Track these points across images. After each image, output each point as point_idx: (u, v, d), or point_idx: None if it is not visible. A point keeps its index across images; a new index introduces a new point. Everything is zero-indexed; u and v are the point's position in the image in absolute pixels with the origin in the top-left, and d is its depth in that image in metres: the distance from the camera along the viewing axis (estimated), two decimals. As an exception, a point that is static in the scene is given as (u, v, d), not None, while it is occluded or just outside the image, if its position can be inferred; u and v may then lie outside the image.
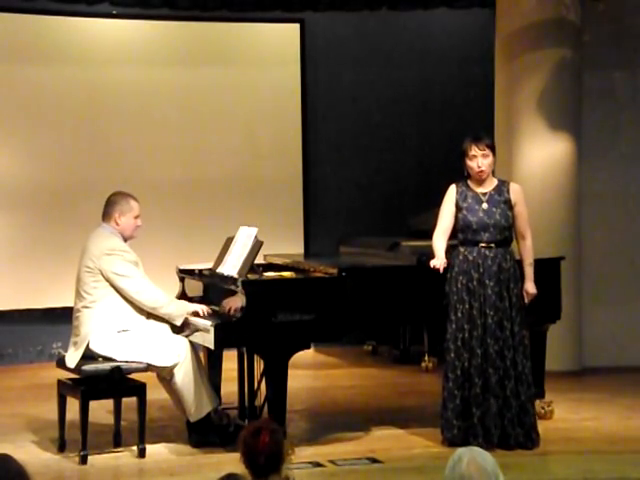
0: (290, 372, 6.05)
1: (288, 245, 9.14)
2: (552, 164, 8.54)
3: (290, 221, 10.11)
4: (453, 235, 6.29)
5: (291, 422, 6.55)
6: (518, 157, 8.51)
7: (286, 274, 6.45)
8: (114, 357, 6.13)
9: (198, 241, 9.34)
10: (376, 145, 10.48)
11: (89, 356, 6.15)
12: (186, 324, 6.24)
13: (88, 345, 6.14)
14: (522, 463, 5.85)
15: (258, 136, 10.07)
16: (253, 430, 3.52)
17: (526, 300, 6.21)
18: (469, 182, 6.24)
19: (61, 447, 6.23)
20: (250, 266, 6.30)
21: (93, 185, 9.49)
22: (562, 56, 8.58)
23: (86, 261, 6.26)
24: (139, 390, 6.11)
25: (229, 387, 6.94)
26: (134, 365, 6.14)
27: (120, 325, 6.19)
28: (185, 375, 6.16)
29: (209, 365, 6.77)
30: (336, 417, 7.17)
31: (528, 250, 6.27)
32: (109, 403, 6.42)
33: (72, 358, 6.17)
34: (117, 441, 6.34)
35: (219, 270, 6.52)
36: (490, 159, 6.18)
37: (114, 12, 9.49)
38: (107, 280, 6.21)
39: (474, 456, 3.02)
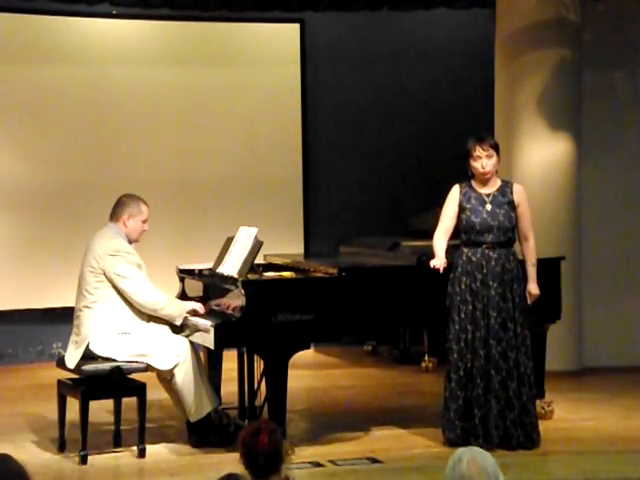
0: (290, 372, 6.05)
1: (288, 245, 9.15)
2: (552, 164, 8.54)
3: (290, 221, 10.11)
4: (454, 235, 6.30)
5: (291, 422, 6.55)
6: (518, 157, 8.51)
7: (286, 274, 6.45)
8: (114, 358, 6.14)
9: (198, 241, 9.35)
10: (376, 145, 10.48)
11: (89, 356, 6.16)
12: (186, 324, 6.24)
13: (88, 345, 6.14)
14: (522, 463, 5.86)
15: (258, 136, 10.07)
16: (252, 431, 3.52)
17: (529, 301, 6.21)
18: (473, 182, 6.24)
19: (61, 447, 6.24)
20: (250, 266, 6.30)
21: (93, 185, 9.51)
22: (562, 56, 8.58)
23: (90, 260, 6.26)
24: (139, 390, 6.11)
25: (229, 387, 6.94)
26: (134, 365, 6.14)
27: (121, 327, 6.19)
28: (185, 375, 6.16)
29: (209, 365, 6.77)
30: (336, 417, 7.17)
31: (531, 251, 6.27)
32: (109, 403, 6.42)
33: (72, 358, 6.17)
34: (117, 441, 6.35)
35: (219, 270, 6.52)
36: (494, 159, 6.17)
37: (114, 12, 9.48)
38: (109, 281, 6.21)
39: (474, 456, 3.02)
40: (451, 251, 6.22)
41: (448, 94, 10.51)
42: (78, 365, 6.12)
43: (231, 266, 6.39)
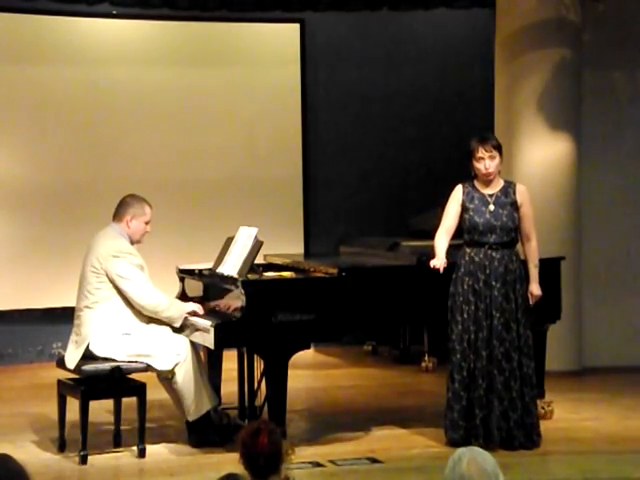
0: (290, 372, 6.05)
1: (288, 245, 9.15)
2: (552, 164, 8.54)
3: (290, 221, 10.11)
4: (456, 235, 6.29)
5: (291, 422, 6.55)
6: (518, 157, 8.51)
7: (286, 274, 6.45)
8: (114, 358, 6.14)
9: (198, 241, 9.35)
10: (376, 145, 10.48)
11: (89, 356, 6.15)
12: (186, 325, 6.24)
13: (88, 346, 6.14)
14: (522, 463, 5.86)
15: (258, 136, 10.07)
16: (252, 431, 3.52)
17: (531, 302, 6.21)
18: (475, 183, 6.24)
19: (61, 447, 6.24)
20: (250, 266, 6.30)
21: (93, 185, 9.51)
22: (562, 56, 8.58)
23: (92, 260, 6.25)
24: (139, 390, 6.11)
25: (229, 387, 6.94)
26: (134, 365, 6.14)
27: (121, 328, 6.18)
28: (185, 374, 6.15)
29: (209, 365, 6.77)
30: (336, 417, 7.17)
31: (533, 252, 6.27)
32: (109, 403, 6.42)
33: (72, 358, 6.17)
34: (117, 441, 6.35)
35: (219, 270, 6.51)
36: (497, 160, 6.17)
37: (114, 12, 9.49)
38: (111, 282, 6.20)
39: (474, 456, 3.02)
40: (452, 251, 6.22)
41: (448, 94, 10.51)
42: (78, 365, 6.12)
43: (231, 266, 6.39)
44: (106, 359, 6.12)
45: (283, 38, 10.16)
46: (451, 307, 6.17)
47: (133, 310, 6.24)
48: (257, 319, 5.95)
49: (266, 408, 6.21)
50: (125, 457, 6.15)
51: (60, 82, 9.51)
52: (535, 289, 6.23)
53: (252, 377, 6.53)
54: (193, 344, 6.24)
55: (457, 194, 6.25)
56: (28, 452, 6.15)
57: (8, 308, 9.30)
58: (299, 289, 6.19)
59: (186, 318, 6.24)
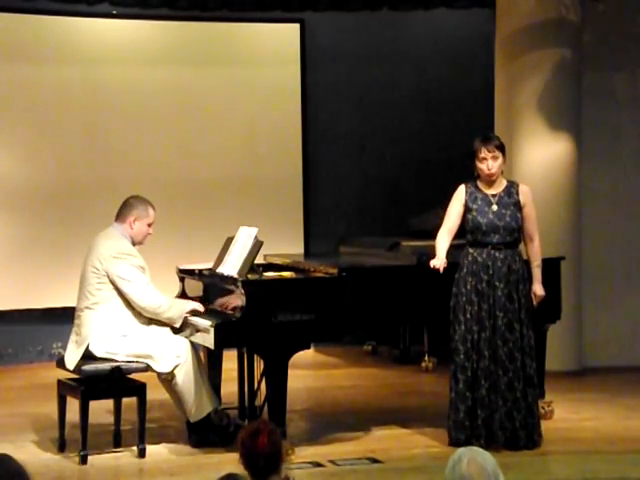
0: (290, 372, 6.05)
1: (288, 245, 9.15)
2: (552, 164, 8.54)
3: (290, 221, 10.11)
4: (459, 235, 6.29)
5: (291, 422, 6.55)
6: (518, 157, 8.51)
7: (286, 274, 6.45)
8: (114, 359, 6.14)
9: (198, 241, 9.35)
10: (376, 145, 10.48)
11: (88, 356, 6.15)
12: (186, 324, 6.24)
13: (88, 346, 6.14)
14: (522, 463, 5.85)
15: (258, 136, 10.07)
16: (251, 432, 3.51)
17: (534, 302, 6.21)
18: (478, 183, 6.23)
19: (61, 447, 6.23)
20: (250, 266, 6.30)
21: (93, 185, 9.52)
22: (562, 56, 8.58)
23: (93, 261, 6.24)
24: (139, 390, 6.11)
25: (229, 387, 6.94)
26: (134, 365, 6.14)
27: (121, 329, 6.18)
28: (186, 375, 6.15)
29: (209, 365, 6.76)
30: (336, 417, 7.17)
31: (536, 252, 6.27)
32: (109, 403, 6.42)
33: (71, 358, 6.17)
34: (117, 441, 6.35)
35: (219, 270, 6.51)
36: (500, 160, 6.16)
37: (114, 12, 9.49)
38: (112, 283, 6.20)
39: (474, 456, 3.02)
40: (453, 251, 6.21)
41: (448, 94, 10.51)
42: (78, 365, 6.11)
43: (231, 266, 6.39)
44: (106, 359, 6.12)
45: (283, 38, 10.16)
46: (454, 307, 6.16)
47: (133, 311, 6.23)
48: (257, 319, 5.95)
49: (266, 408, 6.21)
50: (125, 457, 6.14)
51: (60, 82, 9.51)
52: (538, 289, 6.23)
53: (252, 377, 6.53)
54: (193, 345, 6.23)
55: (460, 194, 6.25)
56: (28, 452, 6.15)
57: (8, 308, 9.30)
58: (299, 289, 6.19)
59: (186, 317, 6.23)
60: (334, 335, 6.27)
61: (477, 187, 6.23)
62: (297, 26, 10.14)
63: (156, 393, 6.43)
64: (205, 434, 6.24)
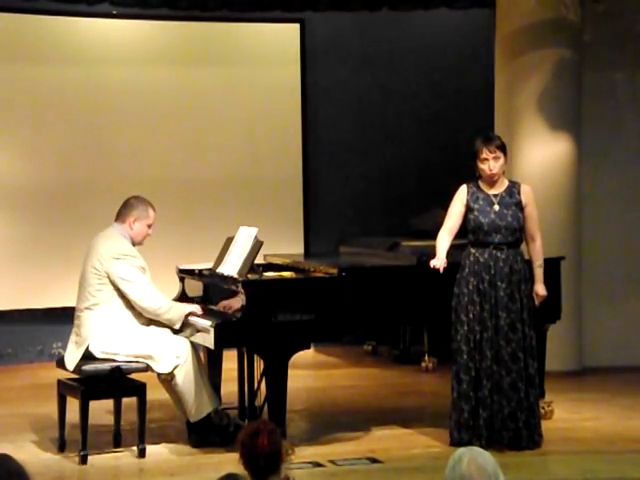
0: (290, 372, 6.05)
1: (288, 245, 9.15)
2: (552, 164, 8.54)
3: (290, 221, 10.11)
4: (461, 235, 6.29)
5: (291, 422, 6.54)
6: (518, 157, 8.51)
7: (286, 274, 6.45)
8: (114, 360, 6.14)
9: (198, 241, 9.35)
10: (376, 145, 10.48)
11: (88, 357, 6.15)
12: (186, 325, 6.24)
13: (88, 347, 6.14)
14: (522, 463, 5.86)
15: (258, 136, 10.07)
16: (251, 432, 3.51)
17: (536, 302, 6.22)
18: (480, 183, 6.23)
19: (61, 447, 6.23)
20: (250, 266, 6.30)
21: (93, 185, 9.52)
22: (562, 56, 8.58)
23: (93, 261, 6.24)
24: (139, 390, 6.11)
25: (229, 387, 6.94)
26: (134, 365, 6.14)
27: (121, 330, 6.18)
28: (186, 376, 6.15)
29: (209, 365, 6.76)
30: (336, 417, 7.17)
31: (538, 252, 6.28)
32: (109, 403, 6.42)
33: (71, 359, 6.17)
34: (117, 441, 6.35)
35: (219, 270, 6.51)
36: (501, 161, 6.16)
37: (114, 12, 9.48)
38: (112, 284, 6.19)
39: (474, 456, 3.02)
40: (453, 251, 6.21)
41: (448, 94, 10.51)
42: (78, 366, 6.11)
43: (231, 266, 6.39)
44: (106, 360, 6.12)
45: (283, 38, 10.16)
46: (455, 307, 6.16)
47: (133, 312, 6.23)
48: (257, 319, 5.95)
49: (266, 408, 6.20)
50: (125, 457, 6.14)
51: (60, 82, 9.51)
52: (540, 289, 6.23)
53: (252, 377, 6.53)
54: (193, 345, 6.23)
55: (461, 194, 6.24)
56: (28, 452, 6.15)
57: (8, 308, 9.30)
58: (299, 289, 6.19)
59: (186, 319, 6.23)
60: (334, 335, 6.27)
61: (479, 187, 6.23)
62: (297, 26, 10.14)
63: (156, 393, 6.43)
64: (205, 434, 6.24)
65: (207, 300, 6.61)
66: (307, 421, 7.16)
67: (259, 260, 6.69)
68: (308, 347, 6.15)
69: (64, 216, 9.44)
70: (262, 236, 6.37)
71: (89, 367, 6.09)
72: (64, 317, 7.59)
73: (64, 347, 6.58)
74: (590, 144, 8.76)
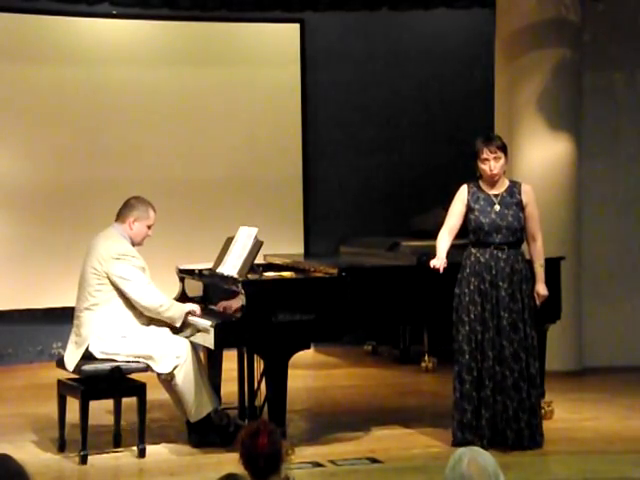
0: (290, 372, 6.05)
1: (288, 245, 9.15)
2: (552, 164, 8.54)
3: (290, 221, 10.11)
4: (462, 235, 6.29)
5: (291, 422, 6.54)
6: (518, 157, 8.51)
7: (286, 274, 6.45)
8: (114, 360, 6.14)
9: (198, 241, 9.35)
10: (376, 145, 10.48)
11: (88, 357, 6.15)
12: (186, 325, 6.24)
13: (88, 347, 6.14)
14: (522, 463, 5.85)
15: (258, 136, 10.07)
16: (251, 432, 3.51)
17: (537, 302, 6.22)
18: (481, 183, 6.23)
19: (61, 447, 6.23)
20: (250, 266, 6.29)
21: (93, 185, 9.52)
22: (562, 56, 8.58)
23: (93, 262, 6.24)
24: (139, 390, 6.11)
25: (229, 387, 6.94)
26: (134, 365, 6.14)
27: (121, 330, 6.18)
28: (185, 376, 6.15)
29: (209, 365, 6.76)
30: (336, 417, 7.17)
31: (539, 251, 6.27)
32: (109, 403, 6.42)
33: (71, 359, 6.16)
34: (117, 441, 6.35)
35: (219, 270, 6.51)
36: (502, 161, 6.16)
37: (114, 12, 9.49)
38: (112, 284, 6.19)
39: (474, 456, 3.02)
40: (453, 251, 6.21)
41: (448, 94, 10.51)
42: (77, 366, 6.11)
43: (231, 266, 6.39)
44: (106, 360, 6.12)
45: (283, 38, 10.16)
46: (456, 308, 6.16)
47: (133, 312, 6.23)
48: (257, 319, 5.95)
49: (266, 408, 6.20)
50: (125, 457, 6.14)
51: (60, 82, 9.51)
52: (541, 289, 6.23)
53: (252, 377, 6.53)
54: (193, 345, 6.23)
55: (462, 194, 6.24)
56: (28, 452, 6.15)
57: (8, 308, 9.30)
58: (299, 289, 6.19)
59: (186, 318, 6.23)
60: (334, 335, 6.27)
61: (479, 187, 6.23)
62: (297, 26, 10.14)
63: (156, 393, 6.43)
64: (205, 434, 6.24)
65: (207, 300, 6.61)
66: (307, 421, 7.16)
67: (259, 260, 6.69)
68: (308, 347, 6.15)
69: (64, 216, 9.44)
70: (262, 236, 6.37)
71: (89, 367, 6.09)
72: (64, 317, 7.58)
73: (64, 347, 6.58)
74: (590, 144, 8.76)
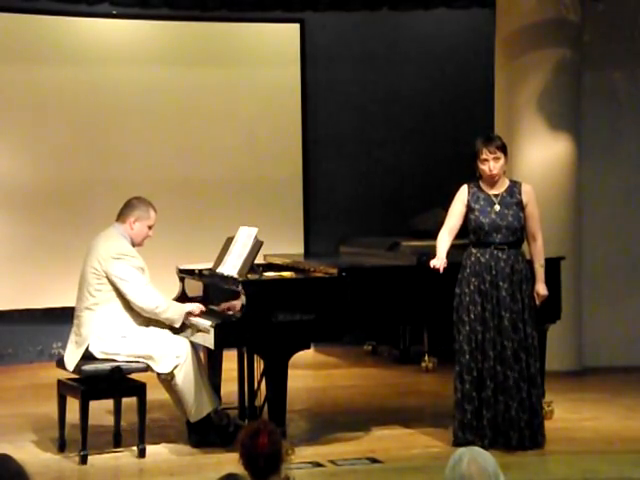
0: (290, 372, 6.05)
1: (288, 245, 9.15)
2: (552, 164, 8.54)
3: (290, 221, 10.11)
4: (462, 235, 6.29)
5: (291, 422, 6.54)
6: (518, 157, 8.51)
7: (286, 274, 6.45)
8: (114, 360, 6.14)
9: (198, 241, 9.35)
10: (376, 145, 10.48)
11: (88, 357, 6.15)
12: (186, 325, 6.24)
13: (88, 347, 6.14)
14: (522, 463, 5.85)
15: (258, 136, 10.07)
16: (251, 432, 3.51)
17: (537, 302, 6.21)
18: (481, 183, 6.23)
19: (61, 447, 6.23)
20: (250, 266, 6.29)
21: (93, 185, 9.52)
22: (562, 56, 8.58)
23: (93, 261, 6.24)
24: (139, 390, 6.11)
25: (229, 387, 6.94)
26: (134, 365, 6.14)
27: (121, 330, 6.18)
28: (185, 376, 6.15)
29: (209, 365, 6.77)
30: (336, 417, 7.17)
31: (539, 251, 6.27)
32: (109, 403, 6.42)
33: (71, 359, 6.16)
34: (117, 441, 6.35)
35: (219, 270, 6.51)
36: (502, 161, 6.16)
37: (114, 12, 9.49)
38: (112, 284, 6.19)
39: (475, 456, 3.02)
40: (453, 251, 6.21)
41: (448, 94, 10.51)
42: (77, 366, 6.11)
43: (231, 266, 6.39)
44: (106, 360, 6.12)
45: (283, 38, 10.17)
46: (457, 308, 6.15)
47: (133, 312, 6.23)
48: (257, 319, 5.95)
49: (266, 408, 6.20)
50: (125, 457, 6.14)
51: (60, 82, 9.51)
52: (541, 289, 6.23)
53: (252, 377, 6.53)
54: (193, 345, 6.23)
55: (462, 194, 6.24)
56: (28, 452, 6.15)
57: (8, 308, 9.30)
58: (299, 289, 6.19)
59: (186, 318, 6.23)
60: (334, 335, 6.27)
61: (479, 187, 6.23)
62: (297, 26, 10.15)
63: (156, 393, 6.43)
64: (205, 434, 6.24)
65: (207, 300, 6.61)
66: (307, 421, 7.16)
67: (259, 260, 6.69)
68: (308, 347, 6.15)
69: (64, 216, 9.44)
70: (262, 236, 6.37)
71: (89, 367, 6.09)
72: (64, 317, 7.59)
73: (64, 347, 6.57)
74: (590, 144, 8.76)
